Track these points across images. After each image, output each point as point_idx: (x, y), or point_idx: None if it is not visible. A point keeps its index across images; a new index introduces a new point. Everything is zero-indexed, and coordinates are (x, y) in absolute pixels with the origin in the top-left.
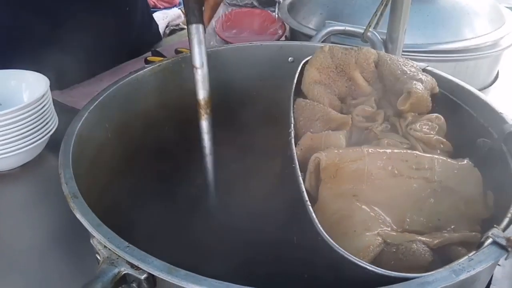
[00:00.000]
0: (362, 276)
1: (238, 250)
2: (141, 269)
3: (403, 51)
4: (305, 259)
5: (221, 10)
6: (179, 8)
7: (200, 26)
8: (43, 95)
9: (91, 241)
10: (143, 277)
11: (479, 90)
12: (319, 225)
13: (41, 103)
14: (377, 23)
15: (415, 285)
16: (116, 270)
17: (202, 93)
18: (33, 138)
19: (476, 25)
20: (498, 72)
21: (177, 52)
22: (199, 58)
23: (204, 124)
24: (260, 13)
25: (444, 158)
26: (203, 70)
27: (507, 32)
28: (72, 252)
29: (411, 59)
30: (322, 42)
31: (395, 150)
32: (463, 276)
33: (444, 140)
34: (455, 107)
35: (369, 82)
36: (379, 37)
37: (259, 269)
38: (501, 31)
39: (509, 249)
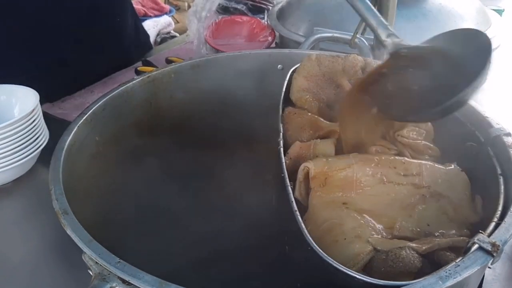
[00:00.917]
0: (352, 284)
1: (230, 261)
2: (132, 284)
3: None
4: (297, 268)
5: (211, 18)
6: (169, 16)
7: None
8: (33, 110)
9: (82, 257)
10: None
11: None
12: (308, 235)
13: (31, 118)
14: (364, 29)
15: None
16: (108, 286)
17: None
18: (24, 153)
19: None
20: None
21: (168, 61)
22: None
23: None
24: (250, 21)
25: (432, 164)
26: None
27: (494, 34)
28: (65, 265)
29: None
30: (311, 48)
31: (383, 157)
32: (449, 283)
33: (432, 145)
34: None
35: None
36: (366, 43)
37: (251, 279)
38: (487, 33)
39: (495, 254)
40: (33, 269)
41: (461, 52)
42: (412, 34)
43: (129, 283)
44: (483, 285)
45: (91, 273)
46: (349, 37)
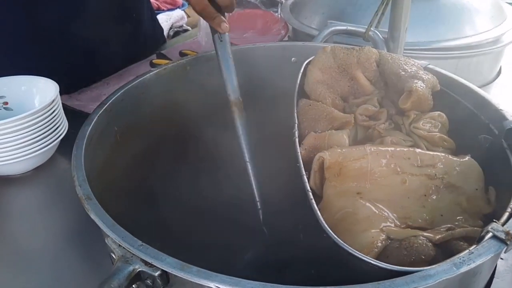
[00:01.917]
0: (367, 270)
1: (245, 247)
2: (154, 266)
3: (405, 49)
4: (311, 255)
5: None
6: (182, 10)
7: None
8: (53, 100)
9: (105, 240)
10: (157, 274)
11: (482, 86)
12: (324, 223)
13: (51, 108)
14: (378, 22)
15: (417, 278)
16: (131, 268)
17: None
18: (45, 142)
19: (477, 22)
20: (500, 68)
21: (182, 54)
22: None
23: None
24: (263, 14)
25: (446, 155)
26: None
27: (509, 28)
28: (86, 252)
29: (413, 57)
30: (325, 41)
31: (398, 148)
32: (463, 269)
33: (447, 137)
34: (457, 105)
35: (371, 81)
36: (380, 36)
37: (267, 265)
38: (502, 27)
39: (508, 242)
40: (53, 256)
41: None
42: (426, 28)
43: (151, 265)
44: (495, 275)
45: (114, 256)
46: (363, 30)
